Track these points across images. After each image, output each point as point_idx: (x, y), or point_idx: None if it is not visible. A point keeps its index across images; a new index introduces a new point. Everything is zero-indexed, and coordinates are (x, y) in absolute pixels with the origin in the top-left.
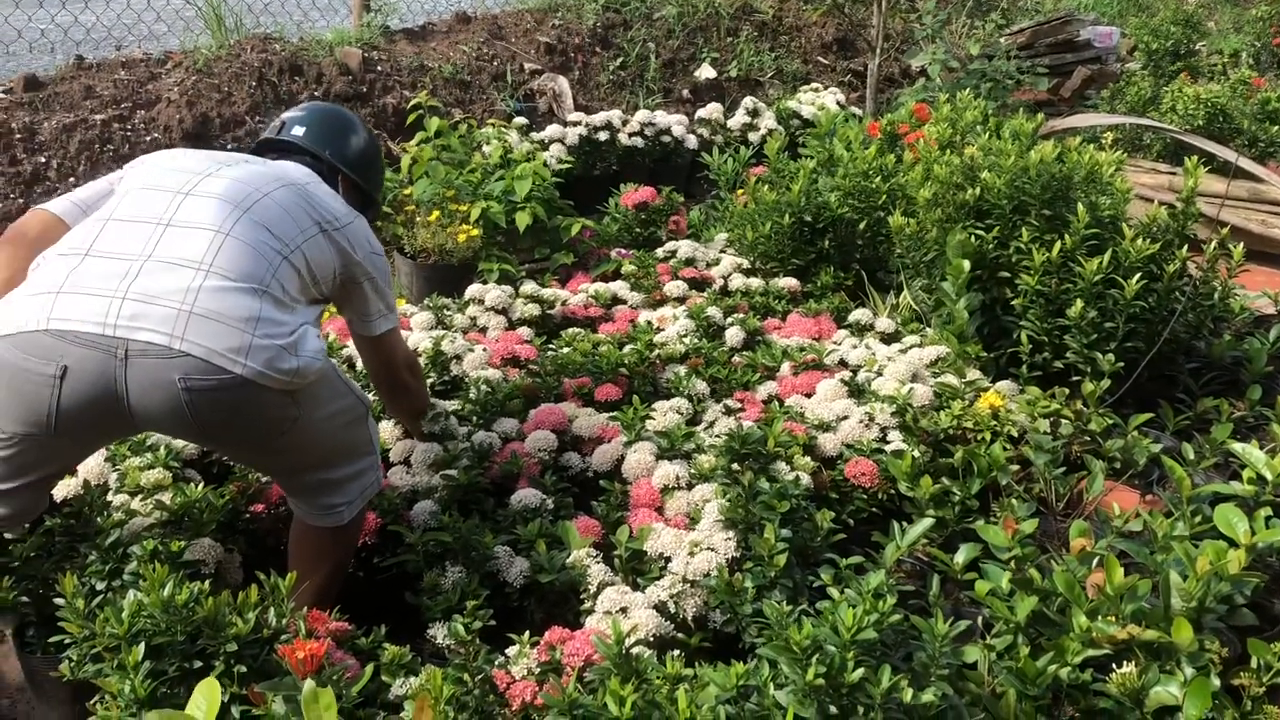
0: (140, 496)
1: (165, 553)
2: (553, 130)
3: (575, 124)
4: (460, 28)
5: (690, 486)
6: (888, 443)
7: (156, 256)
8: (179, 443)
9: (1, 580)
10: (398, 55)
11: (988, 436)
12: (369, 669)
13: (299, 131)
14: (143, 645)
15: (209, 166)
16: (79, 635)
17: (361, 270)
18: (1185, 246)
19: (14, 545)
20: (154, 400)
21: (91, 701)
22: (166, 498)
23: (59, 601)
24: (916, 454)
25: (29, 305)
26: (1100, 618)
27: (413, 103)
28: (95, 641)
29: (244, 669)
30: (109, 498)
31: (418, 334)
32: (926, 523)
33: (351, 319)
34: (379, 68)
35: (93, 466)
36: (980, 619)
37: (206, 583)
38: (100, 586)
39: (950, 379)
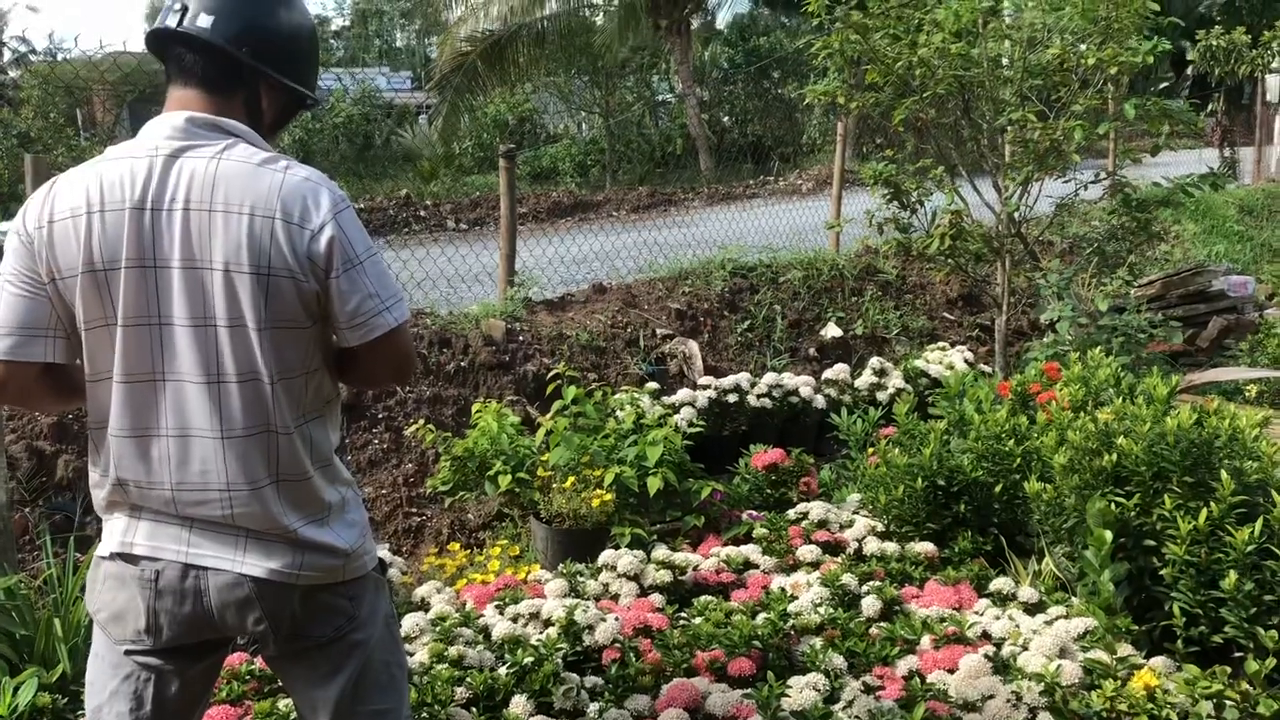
0: None
1: None
2: (683, 394)
3: (705, 387)
4: (596, 298)
5: None
6: None
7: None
8: None
9: None
10: (538, 325)
11: None
12: None
13: (205, 22)
14: None
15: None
16: None
17: (342, 253)
18: None
19: None
20: (231, 599)
21: None
22: None
23: None
24: None
25: (116, 524)
26: None
27: (552, 373)
28: None
29: None
30: None
31: (551, 602)
32: None
33: (346, 325)
34: (520, 337)
35: None
36: None
37: None
38: None
39: (1101, 655)
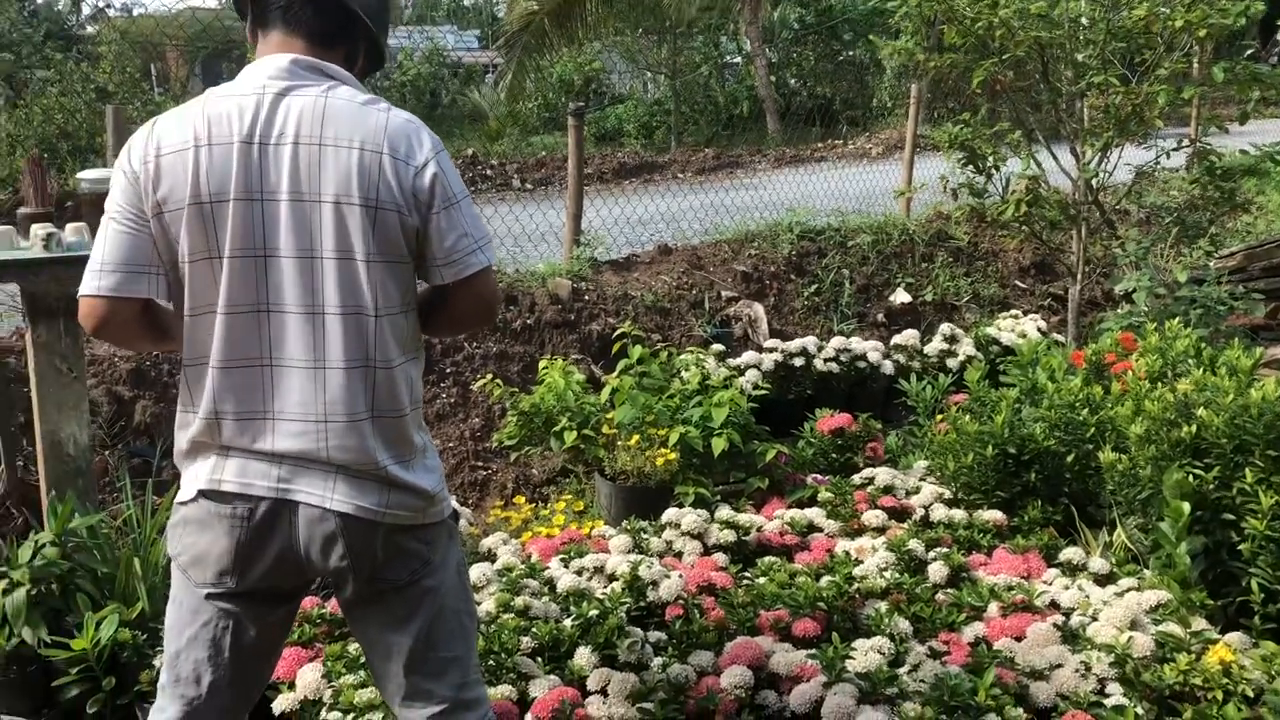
0: (352, 715)
1: None
2: (749, 356)
3: (771, 350)
4: (662, 259)
5: None
6: (1106, 695)
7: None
8: None
9: None
10: (604, 285)
11: (1219, 695)
12: None
13: None
14: None
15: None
16: None
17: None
18: None
19: None
20: (318, 533)
21: None
22: (378, 717)
23: None
24: (1140, 710)
25: (201, 465)
26: None
27: (618, 332)
28: None
29: None
30: (323, 715)
31: (615, 557)
32: None
33: (442, 262)
34: (586, 297)
35: (310, 681)
36: None
37: None
38: None
39: (1174, 628)
